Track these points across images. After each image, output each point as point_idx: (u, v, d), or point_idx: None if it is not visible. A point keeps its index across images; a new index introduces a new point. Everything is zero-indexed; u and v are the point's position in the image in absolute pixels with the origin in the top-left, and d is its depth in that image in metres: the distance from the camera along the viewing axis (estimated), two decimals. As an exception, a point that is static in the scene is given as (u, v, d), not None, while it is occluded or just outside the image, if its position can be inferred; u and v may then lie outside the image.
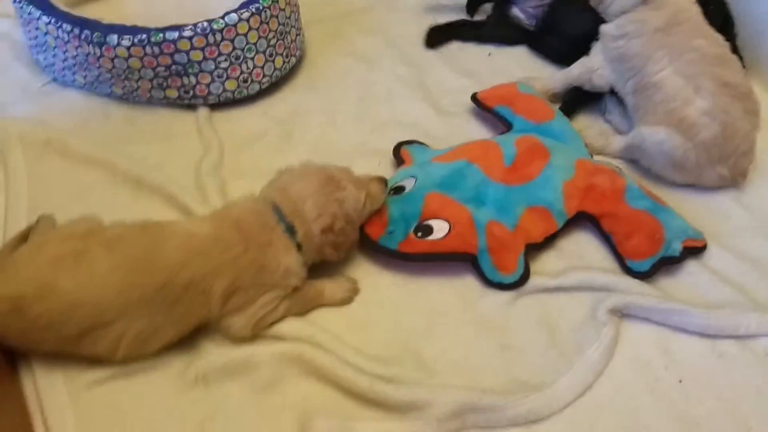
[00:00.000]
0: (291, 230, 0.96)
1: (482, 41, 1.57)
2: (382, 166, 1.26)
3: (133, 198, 1.16)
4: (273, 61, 1.35)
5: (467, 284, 1.07)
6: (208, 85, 1.30)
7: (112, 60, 1.25)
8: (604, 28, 1.30)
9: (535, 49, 1.56)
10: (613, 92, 1.35)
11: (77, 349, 0.86)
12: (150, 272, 0.86)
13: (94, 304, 0.83)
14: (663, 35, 1.21)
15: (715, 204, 1.23)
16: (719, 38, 1.23)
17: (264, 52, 1.32)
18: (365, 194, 1.02)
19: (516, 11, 1.57)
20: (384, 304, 1.04)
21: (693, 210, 1.19)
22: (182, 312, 0.88)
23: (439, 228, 1.05)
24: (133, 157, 1.23)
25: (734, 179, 1.23)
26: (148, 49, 1.23)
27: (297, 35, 1.42)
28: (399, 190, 1.12)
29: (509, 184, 1.12)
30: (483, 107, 1.35)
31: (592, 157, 1.26)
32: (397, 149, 1.26)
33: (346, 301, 1.03)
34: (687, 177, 1.22)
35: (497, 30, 1.57)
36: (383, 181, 1.07)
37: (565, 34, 1.49)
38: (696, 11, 1.24)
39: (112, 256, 0.86)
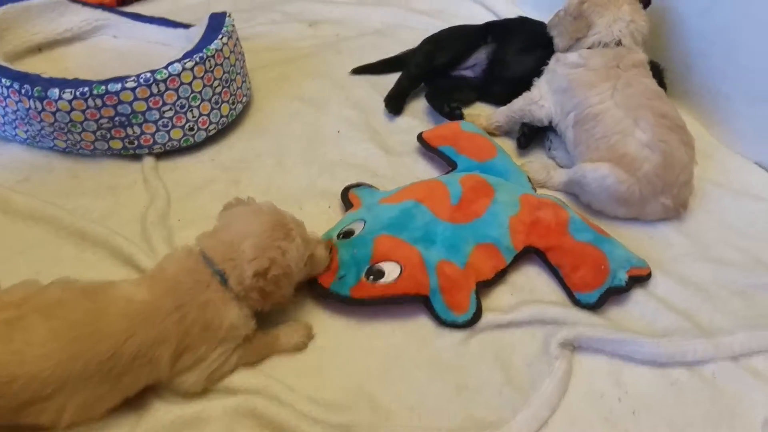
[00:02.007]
0: (222, 277, 0.91)
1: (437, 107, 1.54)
2: (333, 209, 1.26)
3: (78, 252, 1.14)
4: (219, 109, 1.35)
5: (421, 325, 1.07)
6: (153, 135, 1.29)
7: (54, 114, 1.23)
8: (563, 56, 1.35)
9: (483, 100, 1.59)
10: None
11: (17, 419, 0.81)
12: (93, 342, 0.81)
13: (31, 377, 0.78)
14: (618, 70, 1.28)
15: (656, 232, 1.26)
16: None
17: (209, 100, 1.32)
18: (309, 255, 0.98)
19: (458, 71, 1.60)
20: (338, 349, 1.03)
21: (635, 239, 1.22)
22: (129, 380, 0.85)
23: (391, 270, 1.05)
24: (77, 210, 1.20)
25: (677, 209, 1.26)
26: (90, 102, 1.21)
27: (243, 82, 1.43)
28: (348, 234, 1.12)
29: (457, 222, 1.14)
30: (428, 147, 1.37)
31: (535, 191, 1.29)
32: (345, 193, 1.27)
33: (300, 347, 1.01)
34: (630, 211, 1.26)
35: (456, 93, 1.56)
36: (329, 248, 1.05)
37: (507, 79, 1.53)
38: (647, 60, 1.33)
39: (50, 323, 0.81)
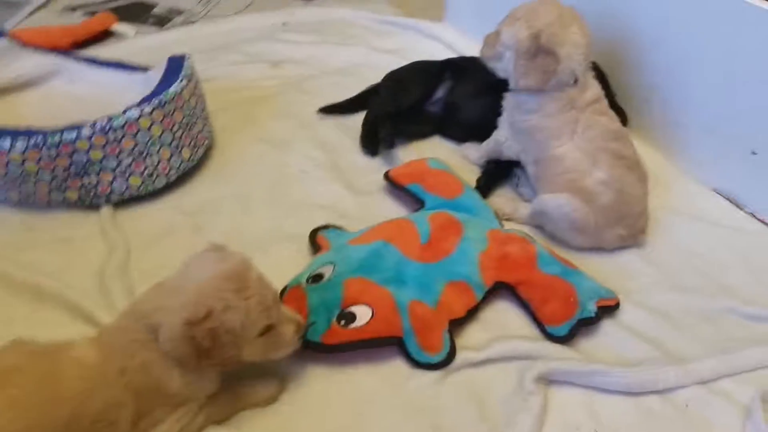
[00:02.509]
0: (153, 332, 0.82)
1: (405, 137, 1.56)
2: (301, 253, 1.25)
3: (33, 310, 1.10)
4: (179, 153, 1.33)
5: (394, 368, 1.05)
6: (110, 184, 1.26)
7: (6, 165, 1.19)
8: (518, 100, 1.33)
9: (443, 135, 1.61)
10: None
11: None
12: (52, 407, 0.76)
13: None
14: (577, 112, 1.27)
15: (622, 262, 1.28)
16: (613, 114, 1.32)
17: (169, 145, 1.30)
18: (267, 326, 0.88)
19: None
20: (310, 398, 1.00)
21: (601, 270, 1.24)
22: None
23: (362, 314, 1.04)
24: (31, 265, 1.16)
25: (634, 237, 1.29)
26: (44, 152, 1.18)
27: (204, 125, 1.42)
28: (318, 278, 1.10)
29: (427, 261, 1.13)
30: (396, 185, 1.38)
31: (502, 225, 1.30)
32: (313, 235, 1.25)
33: (271, 400, 0.98)
34: (588, 240, 1.28)
35: (413, 126, 1.58)
36: (300, 332, 0.94)
37: (461, 123, 1.56)
38: (601, 89, 1.31)
39: (7, 392, 0.75)
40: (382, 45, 1.80)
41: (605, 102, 1.30)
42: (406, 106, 1.55)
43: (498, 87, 1.38)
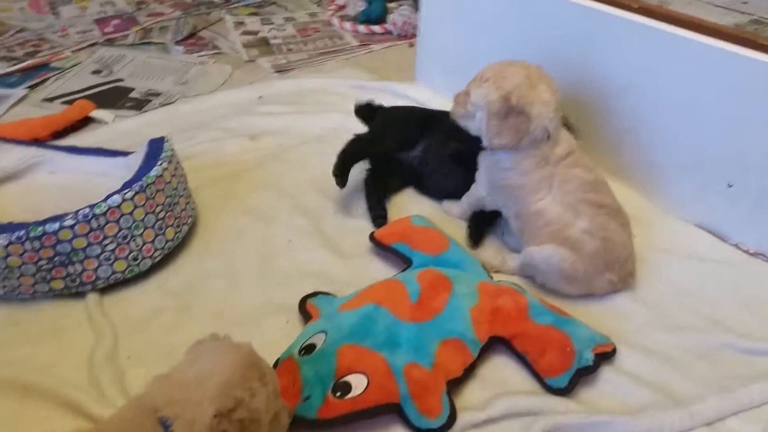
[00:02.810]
0: (166, 426, 0.78)
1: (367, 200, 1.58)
2: (291, 324, 1.23)
3: (21, 408, 1.06)
4: (163, 234, 1.33)
5: (395, 436, 1.03)
6: (95, 271, 1.26)
7: (-11, 261, 1.19)
8: (493, 159, 1.35)
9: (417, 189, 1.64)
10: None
11: None
12: None
13: None
14: (551, 167, 1.29)
15: (614, 306, 1.28)
16: (589, 163, 1.33)
17: (153, 227, 1.30)
18: (276, 413, 0.87)
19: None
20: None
21: (594, 316, 1.24)
22: None
23: (358, 383, 1.02)
24: (19, 361, 1.14)
25: (623, 281, 1.30)
26: (27, 245, 1.18)
27: (187, 203, 1.42)
28: (310, 348, 1.09)
29: (419, 321, 1.13)
30: (382, 246, 1.38)
31: (491, 278, 1.30)
32: (303, 304, 1.25)
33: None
34: (580, 288, 1.28)
35: (392, 180, 1.62)
36: (290, 414, 0.94)
37: (432, 186, 1.59)
38: (574, 143, 1.33)
39: None
40: (359, 108, 1.82)
41: (578, 154, 1.32)
42: (378, 153, 1.58)
43: (470, 151, 1.42)
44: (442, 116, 1.58)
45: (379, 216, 1.50)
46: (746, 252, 1.41)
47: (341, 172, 1.51)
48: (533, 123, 1.26)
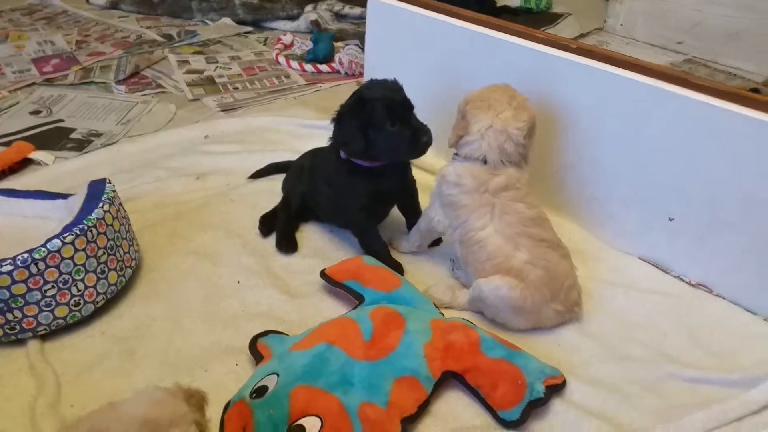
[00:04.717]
0: None
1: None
2: (241, 366, 1.24)
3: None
4: (106, 278, 1.32)
5: (349, 477, 1.04)
6: (35, 317, 1.23)
7: None
8: (444, 171, 1.42)
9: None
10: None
11: None
12: None
13: None
14: (490, 196, 1.35)
15: (562, 339, 1.33)
16: (533, 200, 1.39)
17: (95, 271, 1.29)
18: None
19: None
20: None
21: (543, 349, 1.28)
22: None
23: (312, 426, 1.03)
24: (-47, 413, 1.11)
25: (570, 311, 1.35)
26: (-38, 292, 1.16)
27: (130, 246, 1.42)
28: (262, 391, 1.09)
29: (372, 359, 1.15)
30: (333, 283, 1.40)
31: (443, 314, 1.33)
32: (253, 344, 1.25)
33: None
34: (528, 320, 1.33)
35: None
36: None
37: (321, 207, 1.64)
38: (524, 182, 1.39)
39: None
40: (305, 147, 1.83)
41: (523, 190, 1.38)
42: (297, 207, 1.64)
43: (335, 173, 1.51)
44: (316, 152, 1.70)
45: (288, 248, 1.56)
46: (688, 283, 1.49)
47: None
48: (470, 134, 1.37)
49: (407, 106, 1.41)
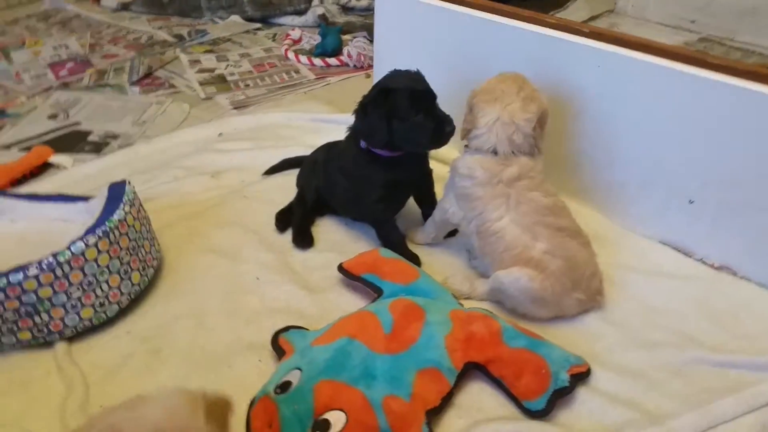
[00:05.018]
0: None
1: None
2: (264, 362, 1.24)
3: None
4: (129, 278, 1.33)
5: (376, 470, 1.04)
6: (62, 320, 1.25)
7: (-48, 315, 1.17)
8: (455, 164, 1.41)
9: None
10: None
11: None
12: None
13: None
14: (504, 187, 1.34)
15: (584, 327, 1.32)
16: (550, 189, 1.38)
17: (118, 272, 1.30)
18: None
19: None
20: None
21: (566, 337, 1.27)
22: None
23: (337, 419, 1.03)
24: (-14, 416, 1.12)
25: (592, 300, 1.34)
26: (-9, 297, 1.17)
27: (151, 246, 1.43)
28: (286, 386, 1.10)
29: (394, 352, 1.15)
30: (351, 276, 1.40)
31: (462, 305, 1.33)
32: (275, 340, 1.25)
33: None
34: (549, 309, 1.32)
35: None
36: None
37: (337, 200, 1.64)
38: (538, 170, 1.38)
39: None
40: (317, 141, 1.84)
41: (537, 179, 1.37)
42: (312, 202, 1.64)
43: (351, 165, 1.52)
44: (330, 146, 1.70)
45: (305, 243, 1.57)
46: (711, 266, 1.47)
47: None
48: (479, 127, 1.36)
49: (431, 96, 1.41)
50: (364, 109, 1.43)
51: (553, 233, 1.32)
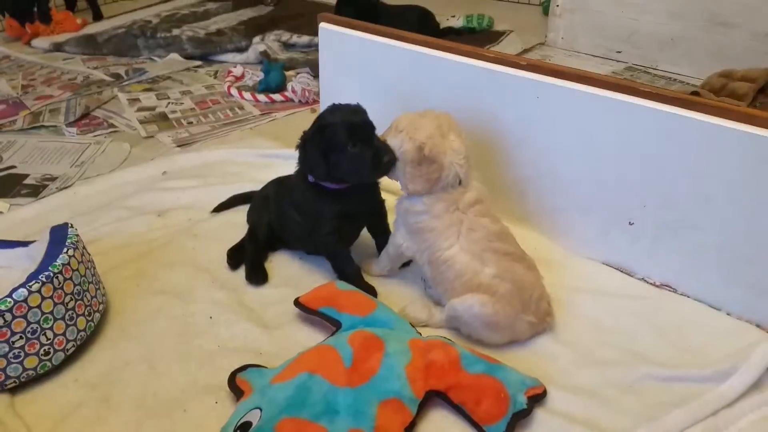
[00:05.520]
0: None
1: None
2: (221, 404, 1.21)
3: None
4: (75, 324, 1.28)
5: (342, 506, 1.02)
6: (4, 370, 1.19)
7: None
8: (406, 205, 1.42)
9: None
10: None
11: None
12: None
13: None
14: (460, 213, 1.37)
15: (539, 349, 1.34)
16: (495, 215, 1.41)
17: (63, 318, 1.25)
18: None
19: None
20: None
21: (521, 360, 1.29)
22: None
23: (301, 457, 1.01)
24: None
25: (542, 322, 1.37)
26: (-74, 350, 1.11)
27: (97, 289, 1.38)
28: (245, 427, 1.07)
29: (355, 385, 1.14)
30: (308, 311, 1.39)
31: (420, 334, 1.33)
32: (232, 380, 1.22)
33: None
34: (504, 334, 1.34)
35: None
36: None
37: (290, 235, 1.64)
38: (485, 193, 1.41)
39: None
40: (266, 177, 1.83)
41: (487, 204, 1.41)
42: (264, 237, 1.64)
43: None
44: (280, 181, 1.71)
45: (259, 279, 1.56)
46: (653, 284, 1.52)
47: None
48: (445, 170, 1.36)
49: (368, 127, 1.43)
50: (303, 144, 1.45)
51: (501, 258, 1.34)
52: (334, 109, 1.45)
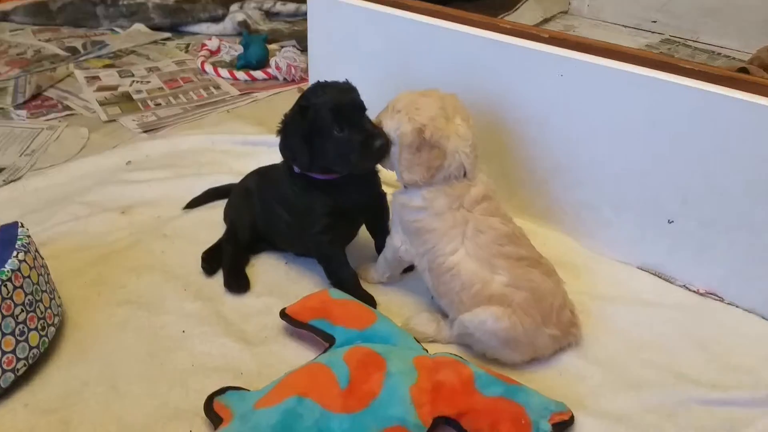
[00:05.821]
0: None
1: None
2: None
3: None
4: (26, 340, 1.27)
5: None
6: (-57, 395, 1.18)
7: None
8: (402, 199, 1.41)
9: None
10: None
11: None
12: None
13: None
14: (465, 212, 1.36)
15: (564, 368, 1.34)
16: (506, 213, 1.40)
17: (13, 333, 1.24)
18: None
19: None
20: None
21: (545, 381, 1.29)
22: None
23: (288, 497, 1.01)
24: None
25: (567, 334, 1.36)
26: None
27: (51, 299, 1.37)
28: (226, 460, 1.07)
29: (352, 410, 1.13)
30: (297, 324, 1.39)
31: (426, 350, 1.32)
32: (209, 404, 1.21)
33: None
34: (524, 351, 1.33)
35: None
36: None
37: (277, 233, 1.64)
38: (494, 188, 1.40)
39: None
40: (246, 167, 1.82)
41: (495, 201, 1.40)
42: (245, 238, 1.64)
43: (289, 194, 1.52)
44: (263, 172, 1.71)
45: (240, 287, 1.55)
46: (696, 292, 1.52)
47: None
48: (448, 158, 1.35)
49: (357, 108, 1.41)
50: (284, 129, 1.44)
51: (513, 264, 1.33)
52: (319, 86, 1.44)
